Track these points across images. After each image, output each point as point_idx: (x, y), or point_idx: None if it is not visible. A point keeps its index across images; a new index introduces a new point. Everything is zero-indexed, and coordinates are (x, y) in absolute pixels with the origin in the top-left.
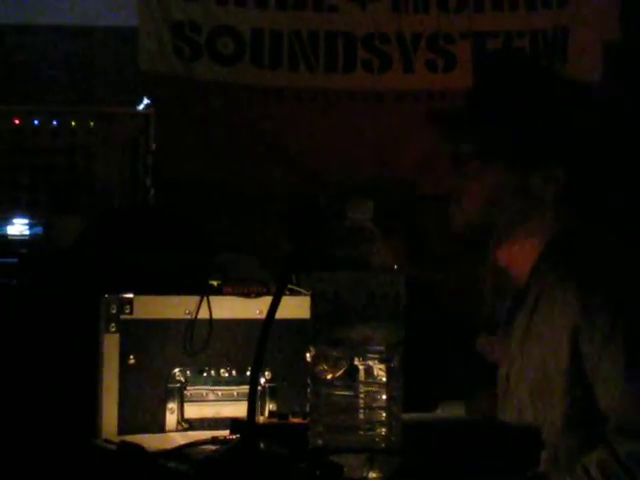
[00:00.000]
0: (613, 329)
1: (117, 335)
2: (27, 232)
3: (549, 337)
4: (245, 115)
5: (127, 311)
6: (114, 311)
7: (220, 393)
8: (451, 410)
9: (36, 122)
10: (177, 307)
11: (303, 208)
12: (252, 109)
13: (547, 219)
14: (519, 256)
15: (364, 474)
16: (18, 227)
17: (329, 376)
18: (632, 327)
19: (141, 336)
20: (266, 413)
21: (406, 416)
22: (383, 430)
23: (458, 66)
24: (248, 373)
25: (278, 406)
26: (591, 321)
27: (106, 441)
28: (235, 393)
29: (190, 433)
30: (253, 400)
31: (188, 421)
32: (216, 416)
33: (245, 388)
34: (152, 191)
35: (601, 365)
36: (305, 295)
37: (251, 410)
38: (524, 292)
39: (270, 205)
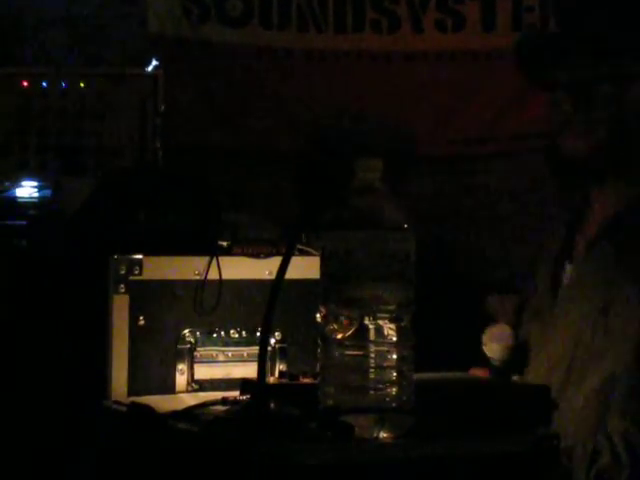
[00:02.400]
0: None
1: (126, 296)
2: (36, 194)
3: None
4: (254, 77)
5: (136, 272)
6: (123, 272)
7: (230, 354)
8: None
9: (44, 84)
10: (186, 268)
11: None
12: (261, 71)
13: None
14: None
15: (375, 434)
16: (27, 189)
17: (339, 336)
18: None
19: (150, 297)
20: (276, 373)
21: (417, 376)
22: (394, 390)
23: (467, 26)
24: (258, 334)
25: (288, 366)
26: None
27: (116, 402)
28: (245, 354)
29: (200, 394)
30: (263, 361)
31: (198, 382)
32: (226, 377)
33: (255, 349)
34: (161, 153)
35: None
36: (314, 255)
37: (261, 371)
38: (615, 223)
39: (279, 166)
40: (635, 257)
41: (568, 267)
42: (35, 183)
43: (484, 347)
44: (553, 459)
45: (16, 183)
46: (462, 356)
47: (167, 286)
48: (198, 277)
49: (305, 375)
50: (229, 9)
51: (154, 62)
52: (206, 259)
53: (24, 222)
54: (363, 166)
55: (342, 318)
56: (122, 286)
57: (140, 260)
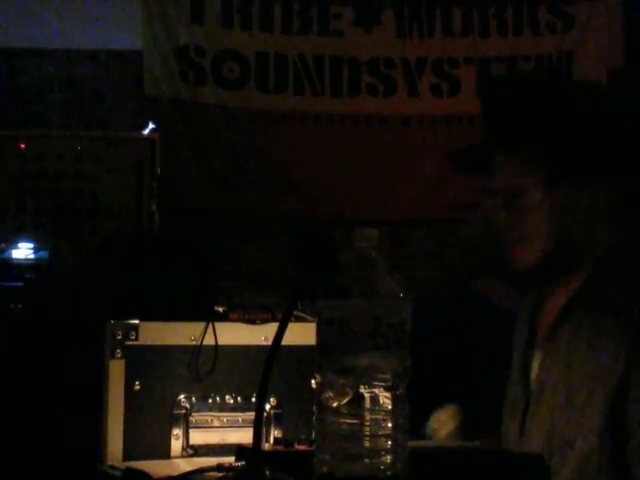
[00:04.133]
0: None
1: (123, 361)
2: (32, 256)
3: (602, 348)
4: (250, 140)
5: (133, 337)
6: (120, 337)
7: (225, 419)
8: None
9: (41, 146)
10: (183, 333)
11: (310, 236)
12: (257, 134)
13: (597, 239)
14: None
15: None
16: (23, 251)
17: (335, 404)
18: None
19: (147, 362)
20: (271, 440)
21: (412, 444)
22: (389, 458)
23: (463, 90)
24: (253, 399)
25: (283, 433)
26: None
27: (111, 467)
28: (240, 419)
29: (195, 459)
30: (259, 427)
31: (193, 447)
32: (221, 442)
33: (250, 414)
34: (157, 216)
35: None
36: (310, 322)
37: (257, 437)
38: (571, 306)
39: (274, 231)
40: (591, 332)
41: (536, 354)
42: (31, 245)
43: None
44: None
45: (13, 245)
46: None
47: (163, 351)
48: (194, 343)
49: (300, 442)
50: (226, 72)
51: (151, 125)
52: (202, 325)
53: (20, 284)
54: (359, 235)
55: (338, 386)
56: (118, 351)
57: (137, 325)
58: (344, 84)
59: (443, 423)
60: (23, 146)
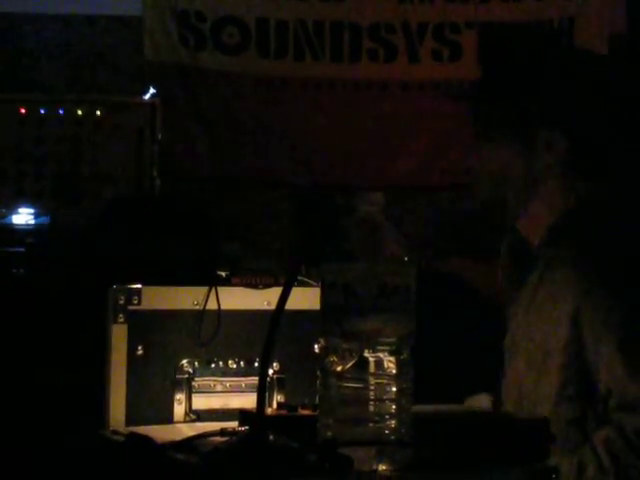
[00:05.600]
0: (612, 312)
1: (125, 326)
2: (32, 221)
3: (550, 314)
4: (250, 106)
5: (135, 302)
6: (122, 302)
7: (228, 384)
8: (477, 402)
9: (42, 111)
10: (185, 298)
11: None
12: (257, 100)
13: (554, 188)
14: (534, 226)
15: (374, 467)
16: (24, 216)
17: (339, 368)
18: (630, 310)
19: (149, 327)
20: (274, 404)
21: (415, 408)
22: (393, 422)
23: (464, 56)
24: (256, 364)
25: (286, 397)
26: (592, 305)
27: (114, 432)
28: (243, 384)
29: (198, 424)
30: (263, 392)
31: (196, 412)
32: (224, 407)
33: (253, 379)
34: (158, 181)
35: (601, 347)
36: (313, 286)
37: (260, 402)
38: (532, 264)
39: (275, 196)
40: (545, 293)
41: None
42: (32, 210)
43: None
44: None
45: (13, 210)
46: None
47: (166, 316)
48: (197, 307)
49: (304, 406)
50: (226, 37)
51: (152, 90)
52: (205, 289)
53: (22, 249)
54: (364, 199)
55: (342, 350)
56: (121, 316)
57: (139, 290)
58: (345, 50)
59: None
60: (24, 111)
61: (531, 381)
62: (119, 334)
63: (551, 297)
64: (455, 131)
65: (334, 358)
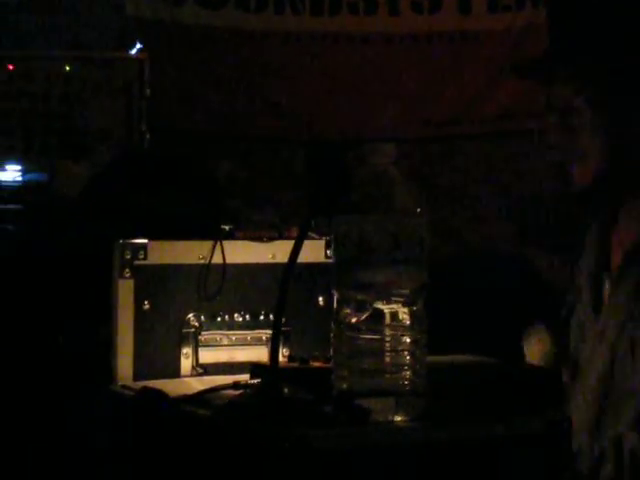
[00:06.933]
0: None
1: (131, 281)
2: (20, 178)
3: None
4: (232, 60)
5: (141, 257)
6: (128, 257)
7: (234, 338)
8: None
9: (30, 67)
10: (191, 252)
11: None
12: (238, 54)
13: None
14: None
15: (391, 417)
16: (11, 173)
17: (353, 320)
18: None
19: (155, 281)
20: (280, 358)
21: (428, 359)
22: (408, 373)
23: (443, 7)
24: (261, 317)
25: (291, 350)
26: None
27: (123, 387)
28: (249, 337)
29: (205, 378)
30: (276, 344)
31: (202, 366)
32: (230, 361)
33: (259, 332)
34: (147, 136)
35: None
36: (317, 239)
37: (274, 355)
38: (624, 269)
39: (263, 150)
40: None
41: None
42: (19, 167)
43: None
44: (563, 441)
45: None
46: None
47: (172, 270)
48: (202, 261)
49: (315, 359)
50: None
51: (138, 45)
52: (210, 243)
53: (12, 207)
54: (375, 151)
55: (356, 302)
56: (127, 271)
57: (145, 245)
58: (325, 3)
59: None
60: (11, 67)
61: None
62: (125, 289)
63: None
64: (438, 82)
65: (348, 310)
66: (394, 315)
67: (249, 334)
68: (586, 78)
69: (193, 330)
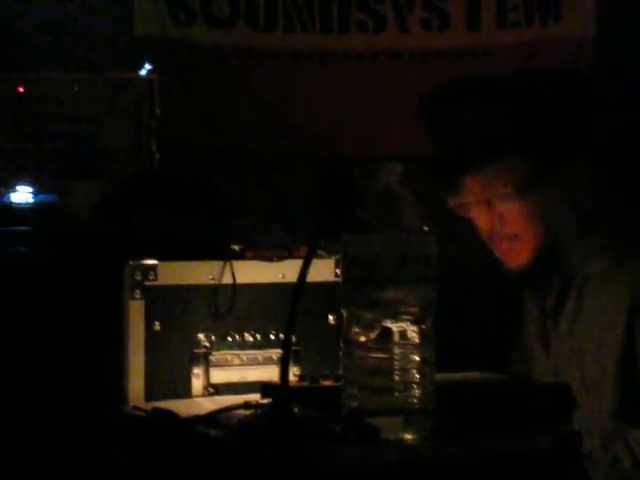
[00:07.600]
0: None
1: (142, 302)
2: (32, 200)
3: (599, 327)
4: (242, 79)
5: (151, 277)
6: (139, 278)
7: (245, 357)
8: None
9: (40, 89)
10: (201, 272)
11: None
12: (248, 72)
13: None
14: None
15: (400, 435)
16: (23, 195)
17: (362, 338)
18: None
19: (166, 302)
20: (291, 377)
21: (438, 377)
22: (417, 391)
23: (452, 24)
24: (272, 337)
25: (301, 370)
26: None
27: (135, 408)
28: (260, 357)
29: (217, 398)
30: (286, 363)
31: (214, 386)
32: (241, 380)
33: (269, 352)
34: (157, 156)
35: None
36: (326, 258)
37: (284, 374)
38: (568, 279)
39: (273, 169)
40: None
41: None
42: (31, 188)
43: None
44: (574, 457)
45: (11, 189)
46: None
47: (182, 291)
48: (212, 282)
49: (325, 377)
50: (215, 10)
51: (147, 66)
52: (220, 263)
53: (25, 228)
54: (383, 169)
55: (365, 321)
56: (137, 292)
57: (155, 266)
58: (334, 21)
59: None
60: (21, 89)
61: (585, 399)
62: (136, 310)
63: (598, 307)
64: None
65: (357, 329)
66: (403, 333)
67: (260, 354)
68: (512, 170)
69: (204, 350)
